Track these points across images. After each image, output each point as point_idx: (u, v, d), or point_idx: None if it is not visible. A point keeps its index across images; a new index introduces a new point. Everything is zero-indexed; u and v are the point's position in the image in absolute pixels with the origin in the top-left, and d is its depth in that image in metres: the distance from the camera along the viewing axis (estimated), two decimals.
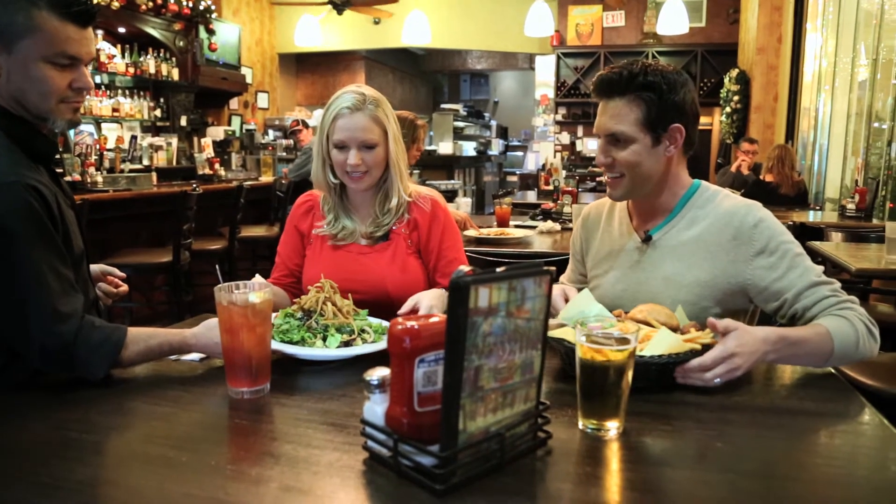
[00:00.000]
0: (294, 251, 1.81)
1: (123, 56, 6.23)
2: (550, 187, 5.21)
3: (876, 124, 5.34)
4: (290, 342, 1.34)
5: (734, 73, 8.02)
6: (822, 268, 1.44)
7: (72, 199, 1.40)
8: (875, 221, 4.49)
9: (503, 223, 3.61)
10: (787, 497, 0.85)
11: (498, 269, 0.81)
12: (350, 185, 1.70)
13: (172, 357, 1.36)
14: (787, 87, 7.24)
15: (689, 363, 1.16)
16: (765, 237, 1.43)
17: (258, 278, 1.53)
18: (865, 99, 5.51)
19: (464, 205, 4.82)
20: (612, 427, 1.00)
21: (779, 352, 1.24)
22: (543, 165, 7.06)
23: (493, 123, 12.63)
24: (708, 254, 1.48)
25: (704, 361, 1.16)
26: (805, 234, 3.54)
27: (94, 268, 1.53)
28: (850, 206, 4.69)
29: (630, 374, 1.00)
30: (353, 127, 1.63)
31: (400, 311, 1.48)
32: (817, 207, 5.98)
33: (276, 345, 1.30)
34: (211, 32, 7.10)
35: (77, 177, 4.39)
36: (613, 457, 0.96)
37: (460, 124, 10.26)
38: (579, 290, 1.74)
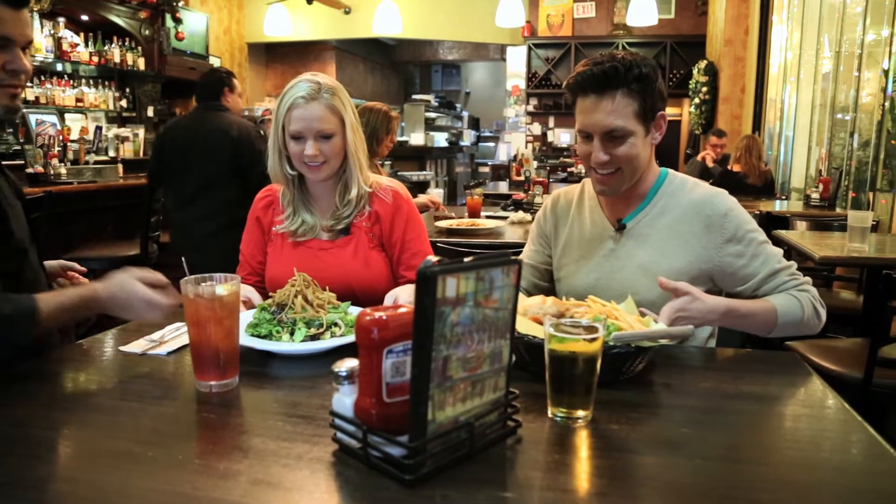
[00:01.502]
0: (257, 248, 1.79)
1: (87, 45, 6.08)
2: (522, 178, 5.23)
3: (839, 115, 5.45)
4: (259, 336, 1.33)
5: (702, 64, 8.12)
6: (780, 251, 1.52)
7: (18, 190, 1.36)
8: (838, 210, 4.59)
9: (474, 214, 3.62)
10: (752, 480, 0.86)
11: (466, 259, 0.81)
12: (309, 175, 1.67)
13: (139, 352, 1.34)
14: (753, 78, 7.34)
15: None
16: (734, 225, 1.48)
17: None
18: (829, 91, 5.61)
19: (436, 196, 4.82)
20: (581, 415, 1.01)
21: (725, 322, 1.38)
22: (515, 156, 7.08)
23: (465, 114, 12.63)
24: (682, 241, 1.50)
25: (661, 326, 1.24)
26: (771, 223, 3.60)
27: (53, 263, 1.49)
28: (815, 195, 4.77)
29: (599, 363, 1.00)
30: (308, 117, 1.59)
31: None
32: (783, 197, 6.08)
33: (244, 339, 1.29)
34: (177, 21, 6.97)
35: (39, 168, 4.29)
36: (582, 444, 0.96)
37: (432, 115, 10.25)
38: (545, 271, 1.74)
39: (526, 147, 9.25)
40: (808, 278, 1.50)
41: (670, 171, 1.61)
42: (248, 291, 1.63)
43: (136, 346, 1.37)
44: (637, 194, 1.56)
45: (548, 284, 1.74)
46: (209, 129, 3.45)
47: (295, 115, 1.60)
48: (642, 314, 1.27)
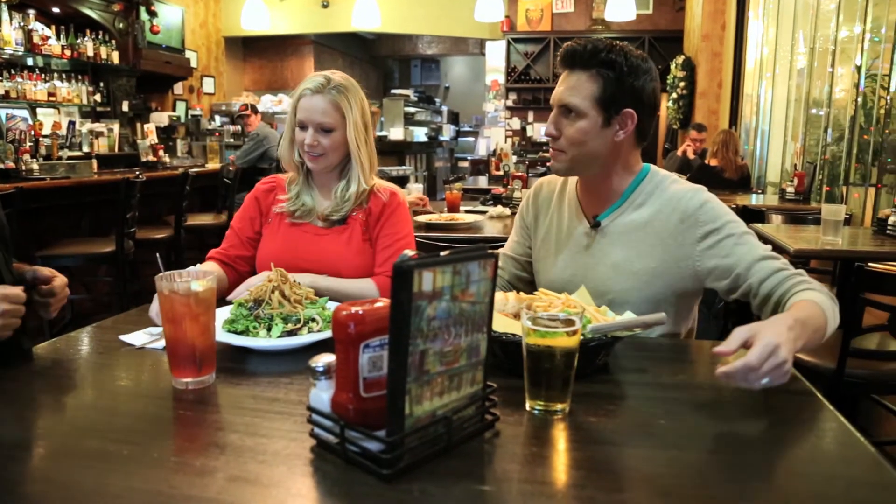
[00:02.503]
0: (248, 224, 1.84)
1: (59, 38, 5.98)
2: (501, 172, 5.24)
3: (813, 111, 5.53)
4: (235, 332, 1.32)
5: (680, 59, 8.19)
6: (769, 246, 1.43)
7: None
8: (813, 204, 4.65)
9: (454, 208, 3.62)
10: (726, 469, 0.88)
11: (442, 253, 0.81)
12: (308, 164, 1.76)
13: (138, 345, 1.32)
14: (730, 73, 7.42)
15: (734, 365, 1.01)
16: (710, 217, 1.43)
17: (198, 267, 1.52)
18: (804, 86, 5.69)
19: (415, 190, 4.81)
20: (559, 408, 1.01)
21: (798, 334, 1.11)
22: (494, 151, 7.09)
23: (444, 109, 12.61)
24: (657, 240, 1.46)
25: (750, 361, 1.00)
26: (747, 216, 3.64)
27: (27, 270, 1.41)
28: (790, 189, 4.84)
29: (576, 356, 1.01)
30: (311, 108, 1.70)
31: None
32: (759, 191, 6.16)
33: (220, 335, 1.28)
34: (152, 14, 6.88)
35: (11, 164, 4.21)
36: (560, 437, 0.97)
37: (411, 110, 10.22)
38: (525, 262, 1.73)
39: (505, 142, 9.26)
40: (801, 270, 1.38)
41: (653, 167, 1.56)
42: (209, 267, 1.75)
43: (136, 339, 1.36)
44: (613, 191, 1.52)
45: (529, 276, 1.74)
46: None
47: (301, 105, 1.72)
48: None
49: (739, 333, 1.05)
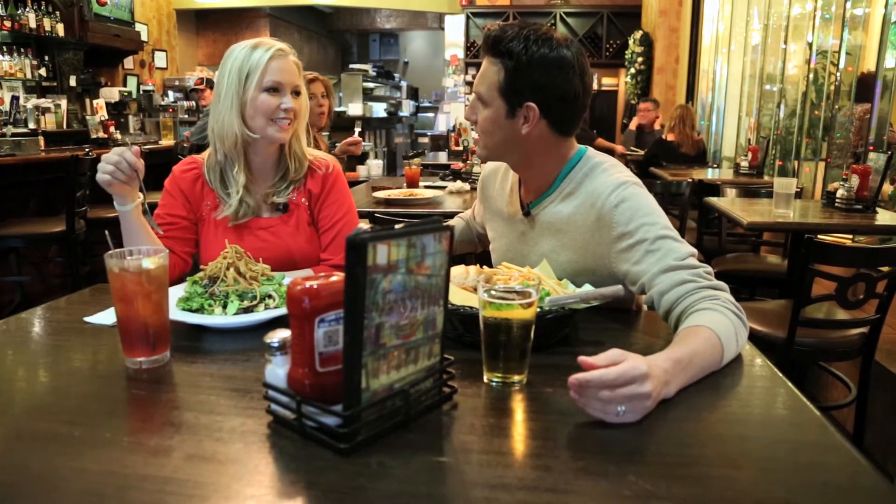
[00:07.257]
0: (179, 210, 1.68)
1: None
2: (461, 148, 5.23)
3: (767, 87, 5.62)
4: (190, 310, 1.30)
5: (638, 34, 8.24)
6: (692, 250, 1.28)
7: None
8: (766, 178, 4.76)
9: (413, 184, 3.61)
10: (681, 436, 0.89)
11: (396, 226, 0.80)
12: (276, 135, 1.59)
13: (109, 323, 1.29)
14: (687, 49, 7.50)
15: (589, 374, 0.88)
16: (625, 218, 1.31)
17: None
18: (758, 62, 5.78)
19: (374, 167, 4.78)
20: (517, 379, 1.02)
21: (673, 377, 0.98)
22: (454, 126, 7.06)
23: (404, 84, 12.51)
24: (578, 235, 1.41)
25: (607, 374, 0.88)
26: (703, 190, 3.71)
27: None
28: (744, 163, 4.93)
29: (533, 328, 1.02)
30: (288, 70, 1.59)
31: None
32: (715, 165, 6.27)
33: (175, 314, 1.26)
34: None
35: None
36: (517, 408, 0.98)
37: (370, 85, 10.11)
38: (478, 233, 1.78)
39: (465, 117, 9.24)
40: (720, 283, 1.23)
41: (589, 152, 1.47)
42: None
43: (104, 318, 1.33)
44: (544, 179, 1.46)
45: (476, 233, 1.83)
46: None
47: (275, 66, 1.56)
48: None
49: (613, 352, 0.93)
